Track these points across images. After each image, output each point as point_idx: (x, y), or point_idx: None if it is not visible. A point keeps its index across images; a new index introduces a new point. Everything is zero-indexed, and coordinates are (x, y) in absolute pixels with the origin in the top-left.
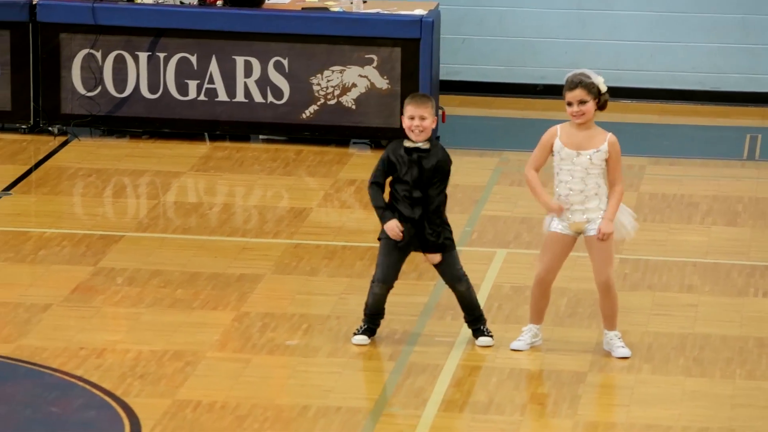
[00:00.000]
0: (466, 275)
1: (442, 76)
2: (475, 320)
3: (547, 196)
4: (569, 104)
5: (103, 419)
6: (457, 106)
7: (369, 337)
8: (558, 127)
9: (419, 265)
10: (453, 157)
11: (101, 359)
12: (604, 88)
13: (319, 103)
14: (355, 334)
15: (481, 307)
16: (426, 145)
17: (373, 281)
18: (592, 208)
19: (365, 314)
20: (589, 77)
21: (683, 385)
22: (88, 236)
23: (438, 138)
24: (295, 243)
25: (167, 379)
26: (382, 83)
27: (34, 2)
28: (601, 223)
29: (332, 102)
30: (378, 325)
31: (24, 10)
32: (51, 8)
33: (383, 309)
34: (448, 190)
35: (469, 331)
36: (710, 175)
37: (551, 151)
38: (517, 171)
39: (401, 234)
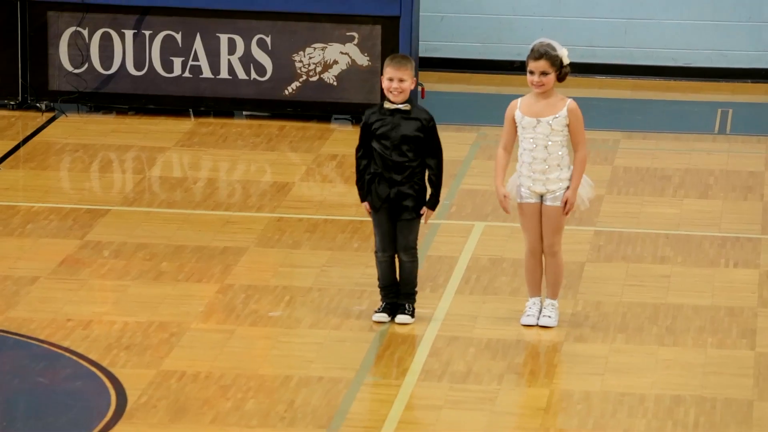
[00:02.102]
0: (415, 248)
1: (422, 53)
2: (405, 296)
3: (500, 181)
4: (531, 72)
5: (89, 389)
6: (435, 83)
7: (389, 315)
8: (518, 99)
9: None
10: None
11: (88, 330)
12: (566, 61)
13: (301, 79)
14: (376, 312)
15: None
16: (406, 107)
17: (375, 252)
18: (553, 179)
19: (379, 288)
20: (554, 49)
21: (656, 354)
22: (75, 210)
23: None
24: (278, 217)
25: (153, 350)
26: (362, 60)
27: None
28: (567, 193)
29: (314, 78)
30: (395, 300)
31: None
32: None
33: (394, 280)
34: None
35: (448, 303)
36: (682, 148)
37: (513, 125)
38: (494, 145)
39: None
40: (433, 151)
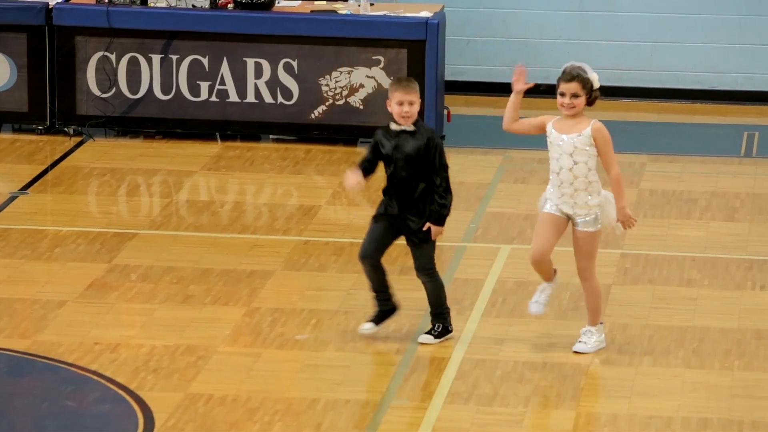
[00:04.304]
0: (434, 269)
1: (448, 77)
2: (435, 316)
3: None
4: (562, 94)
5: (117, 412)
6: (462, 106)
7: (377, 323)
8: (553, 117)
9: None
10: (458, 156)
11: (115, 354)
12: (597, 85)
13: (327, 103)
14: (366, 321)
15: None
16: (411, 128)
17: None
18: (581, 204)
19: (372, 295)
20: (585, 72)
21: (683, 377)
22: (102, 234)
23: (443, 137)
24: (305, 240)
25: (180, 373)
26: (388, 84)
27: (50, 6)
28: (619, 216)
29: (340, 102)
30: (388, 306)
31: (41, 14)
32: (67, 12)
33: (385, 285)
34: (454, 188)
35: (474, 325)
36: (709, 171)
37: (538, 128)
38: (519, 168)
39: (352, 184)
40: (438, 167)
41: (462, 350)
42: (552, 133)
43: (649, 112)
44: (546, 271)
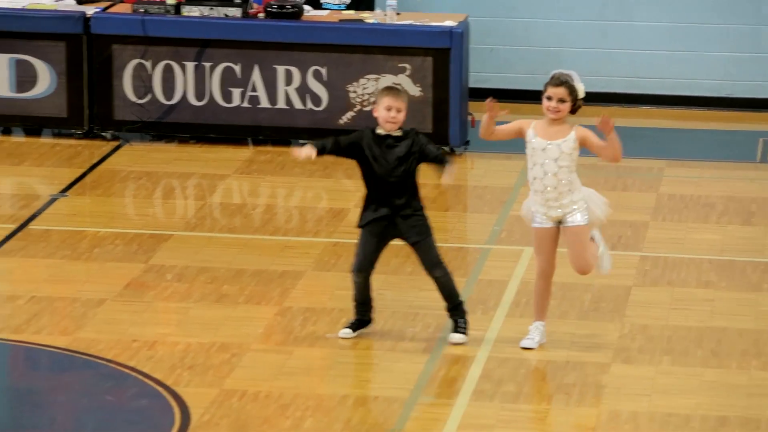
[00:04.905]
0: (442, 262)
1: (472, 84)
2: (455, 308)
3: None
4: (549, 98)
5: (154, 407)
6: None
7: (354, 330)
8: (533, 120)
9: (450, 262)
10: (482, 160)
11: (153, 351)
12: (581, 95)
13: (355, 109)
14: (344, 327)
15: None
16: (398, 133)
17: (351, 271)
18: (567, 204)
19: (354, 303)
20: (573, 80)
21: (702, 376)
22: (139, 235)
23: (468, 143)
24: (334, 241)
25: (215, 370)
26: (414, 90)
27: (88, 15)
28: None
29: (368, 108)
30: (367, 317)
31: (79, 23)
32: (104, 21)
33: (369, 298)
34: (478, 192)
35: (498, 325)
36: (725, 176)
37: (515, 132)
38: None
39: (304, 156)
40: (433, 148)
41: (487, 349)
42: (535, 139)
43: (666, 119)
44: (547, 289)
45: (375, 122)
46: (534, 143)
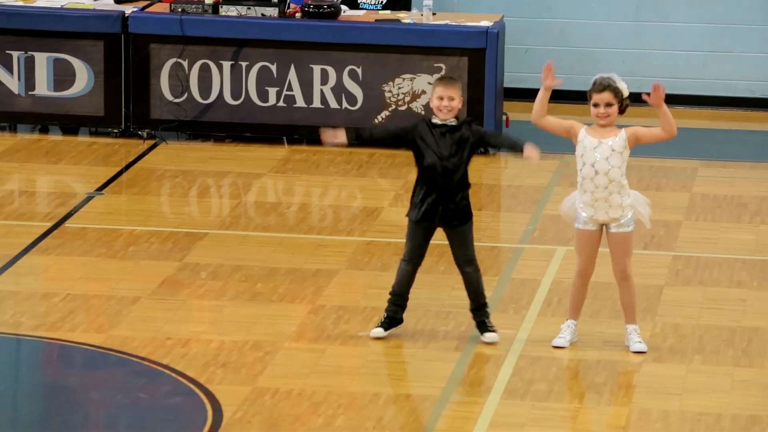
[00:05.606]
0: (476, 260)
1: (507, 84)
2: (479, 308)
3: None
4: (596, 105)
5: (187, 405)
6: (520, 112)
7: (385, 329)
8: (582, 125)
9: (483, 261)
10: (516, 160)
11: (186, 349)
12: (626, 94)
13: (390, 109)
14: (376, 327)
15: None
16: (453, 121)
17: (402, 260)
18: (615, 206)
19: (390, 295)
20: (615, 81)
21: (733, 375)
22: (174, 233)
23: None
24: (368, 240)
25: (248, 368)
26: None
27: (126, 15)
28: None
29: (403, 108)
30: (399, 315)
31: (117, 22)
32: (142, 20)
33: (407, 291)
34: (511, 192)
35: (531, 324)
36: (759, 177)
37: (565, 130)
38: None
39: (334, 142)
40: (498, 135)
41: (518, 348)
42: (587, 138)
43: (701, 119)
44: (584, 288)
45: (408, 121)
46: (585, 143)
